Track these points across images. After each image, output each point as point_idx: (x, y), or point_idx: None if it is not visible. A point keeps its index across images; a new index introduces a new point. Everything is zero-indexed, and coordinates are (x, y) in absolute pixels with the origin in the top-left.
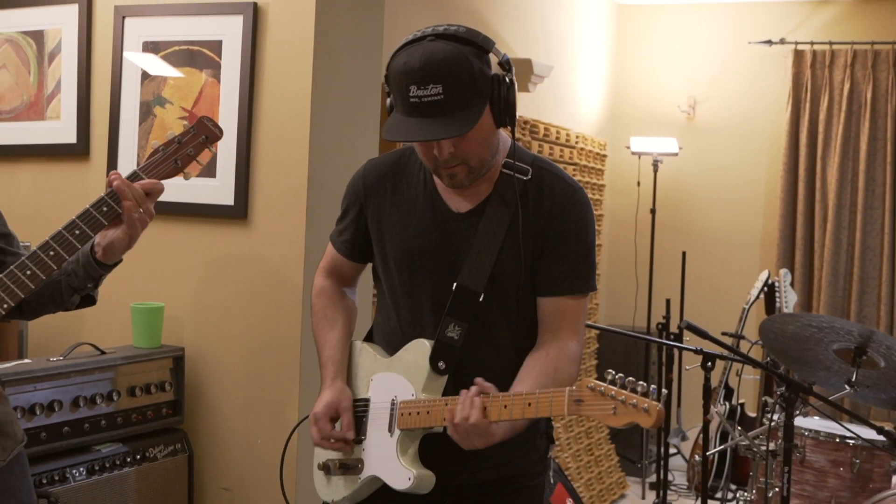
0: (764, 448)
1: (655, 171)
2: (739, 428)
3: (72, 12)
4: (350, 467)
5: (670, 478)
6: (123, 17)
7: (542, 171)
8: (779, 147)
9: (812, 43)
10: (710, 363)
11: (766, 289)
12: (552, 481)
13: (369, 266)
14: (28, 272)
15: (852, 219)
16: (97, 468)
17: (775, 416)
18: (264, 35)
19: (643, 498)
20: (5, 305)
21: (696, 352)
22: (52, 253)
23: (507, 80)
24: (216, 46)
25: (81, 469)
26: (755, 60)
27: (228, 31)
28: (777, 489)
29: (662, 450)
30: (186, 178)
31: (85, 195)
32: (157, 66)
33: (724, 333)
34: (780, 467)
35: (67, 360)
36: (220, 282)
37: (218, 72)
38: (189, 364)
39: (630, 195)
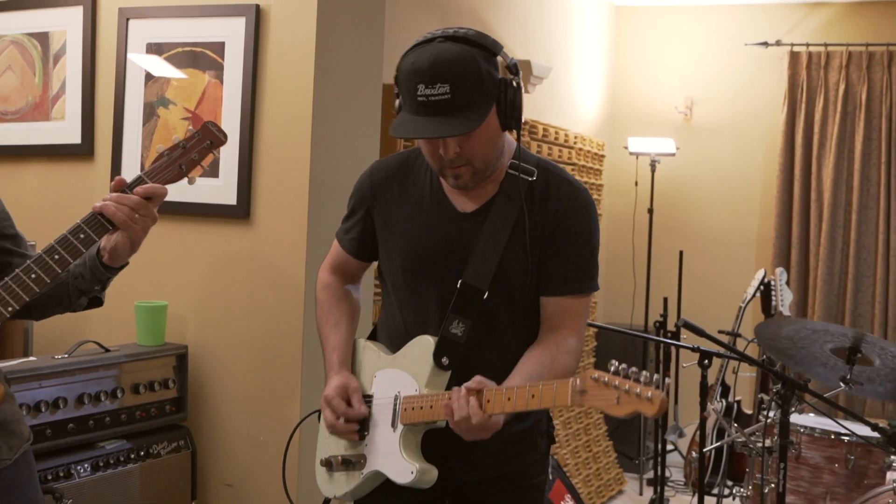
0: (760, 445)
1: (653, 171)
2: (736, 425)
3: (76, 14)
4: (352, 463)
5: (667, 474)
6: (127, 19)
7: (548, 173)
8: (775, 147)
9: (808, 44)
10: (706, 361)
11: (762, 287)
12: (551, 478)
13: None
14: (33, 275)
15: (847, 218)
16: (102, 464)
17: (771, 413)
18: (266, 37)
19: (640, 494)
20: (10, 308)
21: (694, 350)
22: (56, 257)
23: (514, 83)
24: (219, 48)
25: (86, 465)
26: (751, 62)
27: (231, 32)
28: (773, 485)
29: (660, 446)
30: (191, 182)
31: (89, 195)
32: (161, 67)
33: (720, 331)
34: (775, 464)
35: (72, 357)
36: (222, 280)
37: (221, 73)
38: (192, 361)
39: (628, 195)
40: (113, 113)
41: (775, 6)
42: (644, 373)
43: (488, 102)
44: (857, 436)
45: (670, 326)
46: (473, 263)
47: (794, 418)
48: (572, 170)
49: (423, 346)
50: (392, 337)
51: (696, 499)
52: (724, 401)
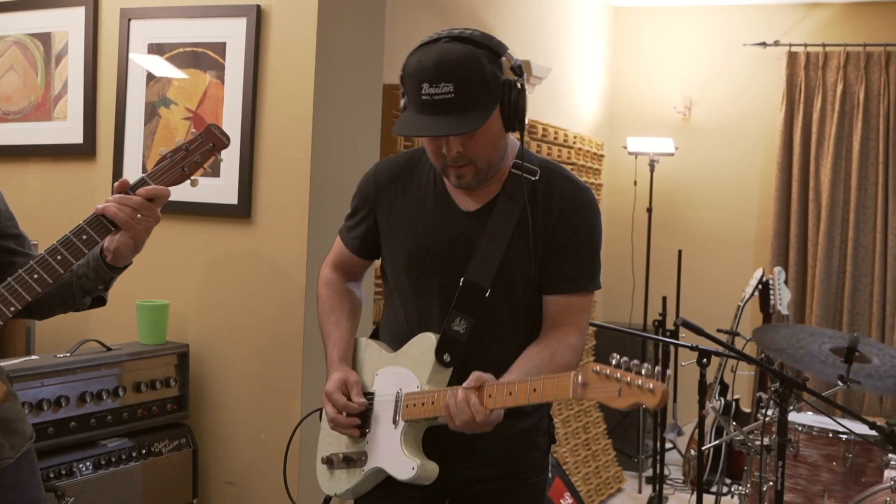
0: (758, 443)
1: (652, 170)
2: (734, 423)
3: (78, 15)
4: (354, 460)
5: (666, 472)
6: (129, 20)
7: (551, 172)
8: (773, 147)
9: (805, 45)
10: (705, 359)
11: (760, 286)
12: (550, 476)
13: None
14: (35, 276)
15: (845, 217)
16: (103, 462)
17: (769, 412)
18: (267, 37)
19: (640, 492)
20: (12, 308)
21: (692, 348)
22: (59, 257)
23: (519, 85)
24: (220, 48)
25: (88, 463)
26: (750, 62)
27: (232, 33)
28: (771, 483)
29: (659, 445)
30: (194, 184)
31: (91, 194)
32: (162, 67)
33: (719, 330)
34: (774, 462)
35: (74, 356)
36: (223, 279)
37: (222, 73)
38: (193, 360)
39: (627, 194)
40: (115, 113)
41: (773, 7)
42: (645, 365)
43: (492, 102)
44: (855, 434)
45: (669, 325)
46: (476, 261)
47: (793, 416)
48: (572, 169)
49: (425, 342)
50: (394, 335)
51: (694, 497)
52: (722, 399)
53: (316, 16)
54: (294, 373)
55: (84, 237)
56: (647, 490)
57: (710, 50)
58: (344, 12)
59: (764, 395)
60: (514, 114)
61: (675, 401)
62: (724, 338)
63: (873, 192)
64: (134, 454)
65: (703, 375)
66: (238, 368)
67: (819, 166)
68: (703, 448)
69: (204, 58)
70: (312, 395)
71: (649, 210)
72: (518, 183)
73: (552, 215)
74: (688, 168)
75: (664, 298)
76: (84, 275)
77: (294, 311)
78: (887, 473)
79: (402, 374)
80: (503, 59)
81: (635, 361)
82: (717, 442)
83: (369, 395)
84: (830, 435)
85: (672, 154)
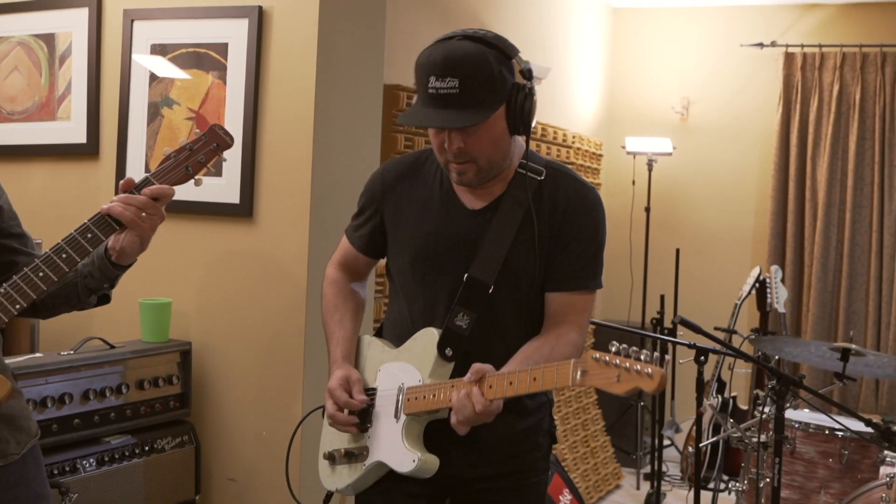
0: (755, 440)
1: (650, 170)
2: (732, 420)
3: (82, 16)
4: (355, 455)
5: (664, 469)
6: (132, 21)
7: (557, 173)
8: (770, 147)
9: (802, 45)
10: (703, 357)
11: (757, 285)
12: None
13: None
14: (41, 274)
15: (841, 217)
16: (107, 459)
17: (766, 409)
18: (269, 38)
19: (638, 488)
20: (17, 306)
21: (690, 346)
22: (64, 256)
23: (527, 88)
24: (222, 49)
25: (91, 460)
26: (747, 63)
27: (234, 33)
28: (768, 480)
29: (657, 441)
30: (198, 184)
31: (95, 194)
32: (165, 68)
33: (716, 328)
34: (770, 458)
35: (78, 354)
36: (225, 278)
37: (224, 73)
38: (196, 358)
39: (625, 194)
40: (118, 113)
41: (770, 8)
42: (644, 351)
43: (496, 102)
44: (851, 431)
45: (667, 323)
46: (480, 258)
47: (789, 414)
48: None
49: (427, 337)
50: (398, 332)
51: (692, 493)
52: (719, 397)
53: (317, 17)
54: (296, 371)
55: (89, 236)
56: (646, 486)
57: (707, 50)
58: (345, 13)
59: (761, 393)
60: (519, 116)
61: (672, 398)
62: (721, 336)
63: (869, 192)
64: (137, 451)
65: (700, 373)
66: (240, 366)
67: (815, 166)
68: (701, 445)
69: (206, 58)
70: (314, 393)
71: (647, 209)
72: (523, 183)
73: (557, 214)
74: (685, 168)
75: (662, 297)
76: (89, 274)
77: (296, 310)
78: (883, 470)
79: (405, 368)
80: (513, 61)
81: (634, 348)
82: (714, 439)
83: (371, 391)
84: (827, 432)
85: (670, 154)
